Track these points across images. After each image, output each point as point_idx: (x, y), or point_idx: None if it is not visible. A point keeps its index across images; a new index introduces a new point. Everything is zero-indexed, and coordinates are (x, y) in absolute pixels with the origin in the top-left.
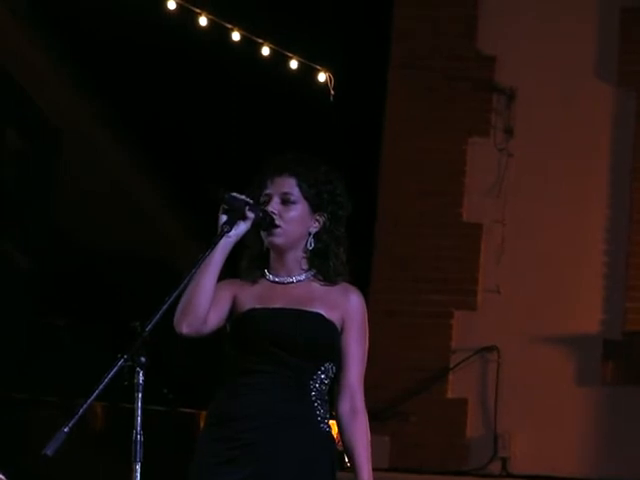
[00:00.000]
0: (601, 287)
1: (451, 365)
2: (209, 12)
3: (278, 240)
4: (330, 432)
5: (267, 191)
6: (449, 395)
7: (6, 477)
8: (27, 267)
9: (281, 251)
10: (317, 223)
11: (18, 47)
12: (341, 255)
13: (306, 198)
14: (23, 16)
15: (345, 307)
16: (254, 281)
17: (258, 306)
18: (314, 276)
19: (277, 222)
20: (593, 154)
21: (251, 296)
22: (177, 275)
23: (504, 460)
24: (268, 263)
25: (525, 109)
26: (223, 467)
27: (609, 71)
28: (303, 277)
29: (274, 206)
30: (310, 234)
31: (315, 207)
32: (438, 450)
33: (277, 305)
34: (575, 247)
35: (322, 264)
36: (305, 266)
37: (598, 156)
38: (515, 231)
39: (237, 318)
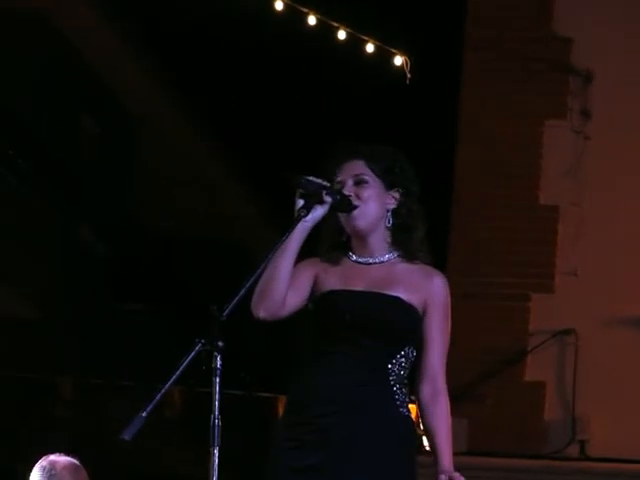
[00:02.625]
0: None
1: (528, 348)
2: None
3: (360, 224)
4: (409, 416)
5: (339, 178)
6: (527, 378)
7: (80, 462)
8: (105, 253)
9: (363, 235)
10: (393, 199)
11: (101, 37)
12: (420, 228)
13: (378, 176)
14: (105, 6)
15: (428, 290)
16: (335, 261)
17: (339, 288)
18: (398, 256)
19: (355, 203)
20: None
21: (333, 276)
22: (254, 259)
23: (582, 443)
24: (350, 247)
25: (602, 91)
26: (297, 451)
27: None
28: (386, 258)
29: (349, 188)
30: (388, 211)
31: (389, 184)
32: (515, 433)
33: (358, 287)
34: None
35: (404, 239)
36: (388, 244)
37: None
38: (592, 213)
39: (318, 299)
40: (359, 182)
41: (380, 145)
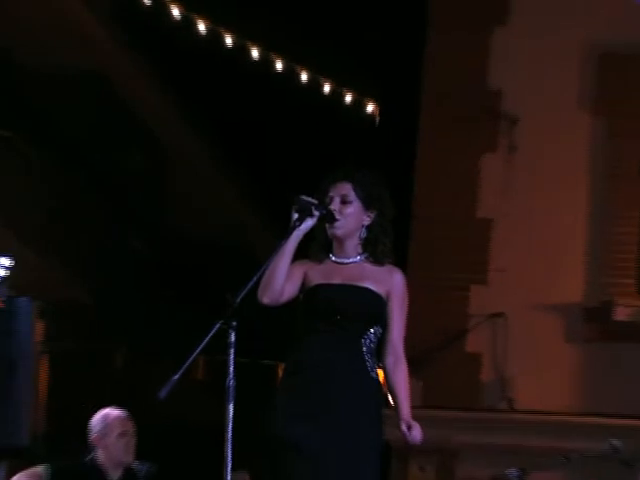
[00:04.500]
0: (584, 267)
1: (469, 327)
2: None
3: (338, 232)
4: (377, 379)
5: (330, 194)
6: (467, 350)
7: (129, 414)
8: (144, 252)
9: (340, 240)
10: (369, 218)
11: (145, 91)
12: (388, 243)
13: (360, 199)
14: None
15: (390, 283)
16: (320, 261)
17: (322, 282)
18: (366, 258)
19: (337, 217)
20: (576, 164)
21: (318, 273)
22: (254, 259)
23: (510, 399)
24: (331, 248)
25: (525, 131)
26: (295, 403)
27: (588, 102)
28: (357, 259)
29: (335, 205)
30: (363, 226)
31: (367, 206)
32: (459, 392)
33: (337, 281)
34: (564, 237)
35: (373, 249)
36: (359, 250)
37: (580, 164)
38: (517, 224)
39: (307, 291)
40: (344, 201)
41: (366, 172)
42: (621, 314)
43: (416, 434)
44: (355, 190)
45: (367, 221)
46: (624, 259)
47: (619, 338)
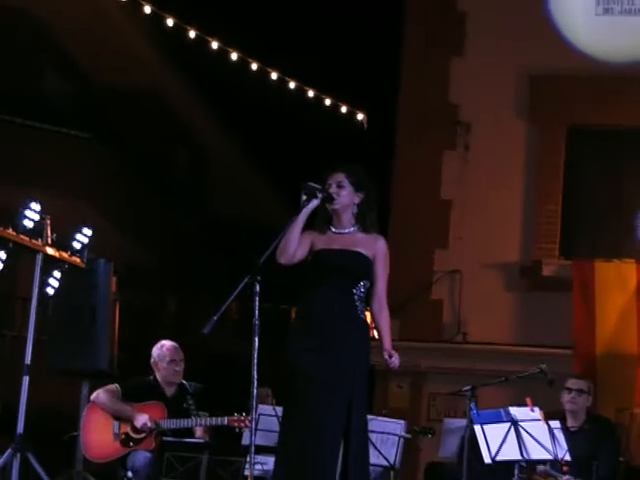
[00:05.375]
0: (520, 235)
1: (434, 280)
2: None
3: (336, 206)
4: (365, 319)
5: (329, 181)
6: (433, 297)
7: (177, 344)
8: (195, 233)
9: (338, 214)
10: (358, 198)
11: (192, 105)
12: (373, 217)
13: (351, 184)
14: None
15: (376, 248)
16: (323, 232)
17: (325, 247)
18: (358, 229)
19: (335, 197)
20: (514, 158)
21: (321, 241)
22: (271, 231)
23: (464, 334)
24: (332, 222)
25: (476, 135)
26: (305, 339)
27: (524, 112)
28: (351, 230)
29: (333, 189)
30: (355, 204)
31: (356, 189)
32: (427, 328)
33: (336, 247)
34: (505, 213)
35: (362, 221)
36: (353, 222)
37: (517, 159)
38: (470, 204)
39: (313, 254)
40: (339, 186)
41: (356, 165)
42: (547, 271)
43: (395, 360)
44: (347, 178)
45: (357, 200)
46: (550, 229)
47: (546, 288)
